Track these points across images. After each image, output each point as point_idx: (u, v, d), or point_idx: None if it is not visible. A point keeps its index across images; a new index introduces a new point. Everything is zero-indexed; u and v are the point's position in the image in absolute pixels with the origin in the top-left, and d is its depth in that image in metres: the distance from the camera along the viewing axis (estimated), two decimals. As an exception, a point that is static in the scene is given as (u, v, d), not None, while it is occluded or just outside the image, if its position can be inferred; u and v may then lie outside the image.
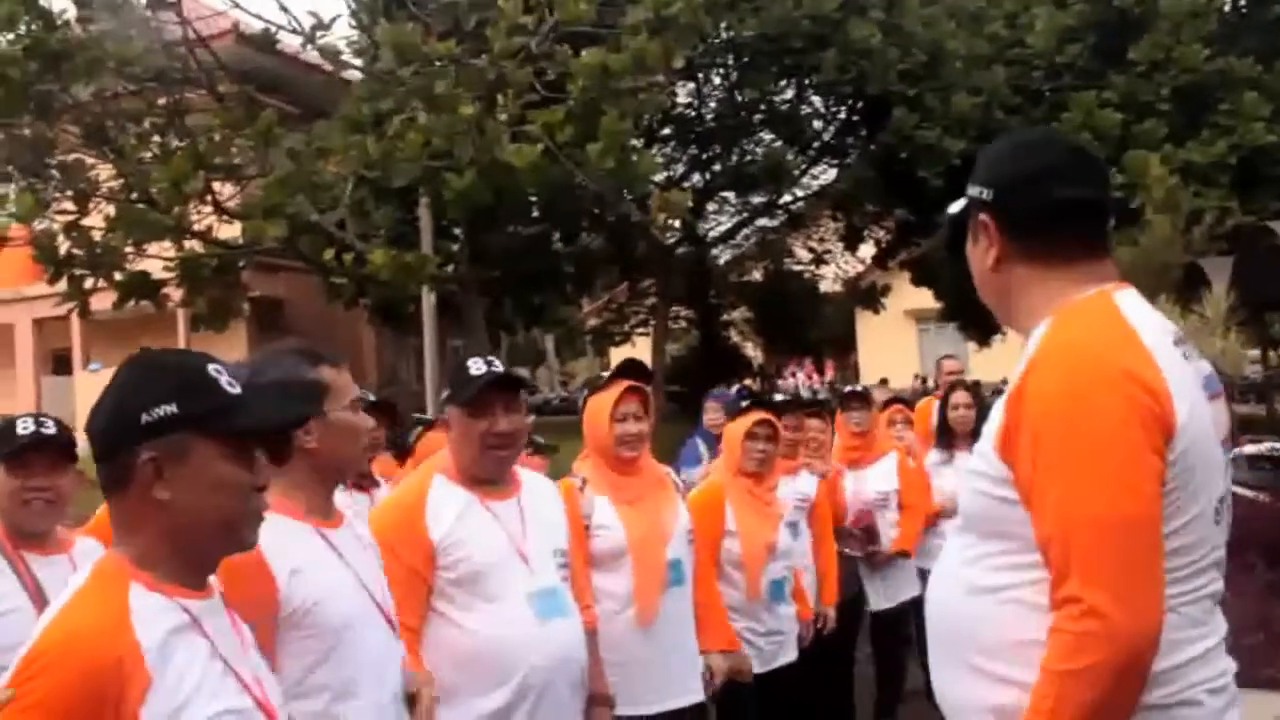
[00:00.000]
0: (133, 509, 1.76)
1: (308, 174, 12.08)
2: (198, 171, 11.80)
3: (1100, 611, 1.69)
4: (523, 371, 38.39)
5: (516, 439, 3.14)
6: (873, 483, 5.90)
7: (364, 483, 4.61)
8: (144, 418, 1.75)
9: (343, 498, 4.46)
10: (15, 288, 22.94)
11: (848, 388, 6.56)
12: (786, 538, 4.62)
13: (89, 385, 21.90)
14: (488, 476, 3.11)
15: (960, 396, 6.03)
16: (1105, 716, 1.71)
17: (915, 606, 5.95)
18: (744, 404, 4.82)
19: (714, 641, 4.05)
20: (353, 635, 2.37)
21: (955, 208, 2.15)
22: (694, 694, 3.78)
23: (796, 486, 5.11)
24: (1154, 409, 1.76)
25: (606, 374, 4.07)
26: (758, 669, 4.35)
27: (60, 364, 24.81)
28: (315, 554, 2.41)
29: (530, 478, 3.27)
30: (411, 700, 2.54)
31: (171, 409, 1.76)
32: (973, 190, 2.06)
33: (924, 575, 5.90)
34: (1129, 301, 1.95)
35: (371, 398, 4.71)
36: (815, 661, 4.77)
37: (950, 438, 6.02)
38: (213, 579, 1.87)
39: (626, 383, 3.77)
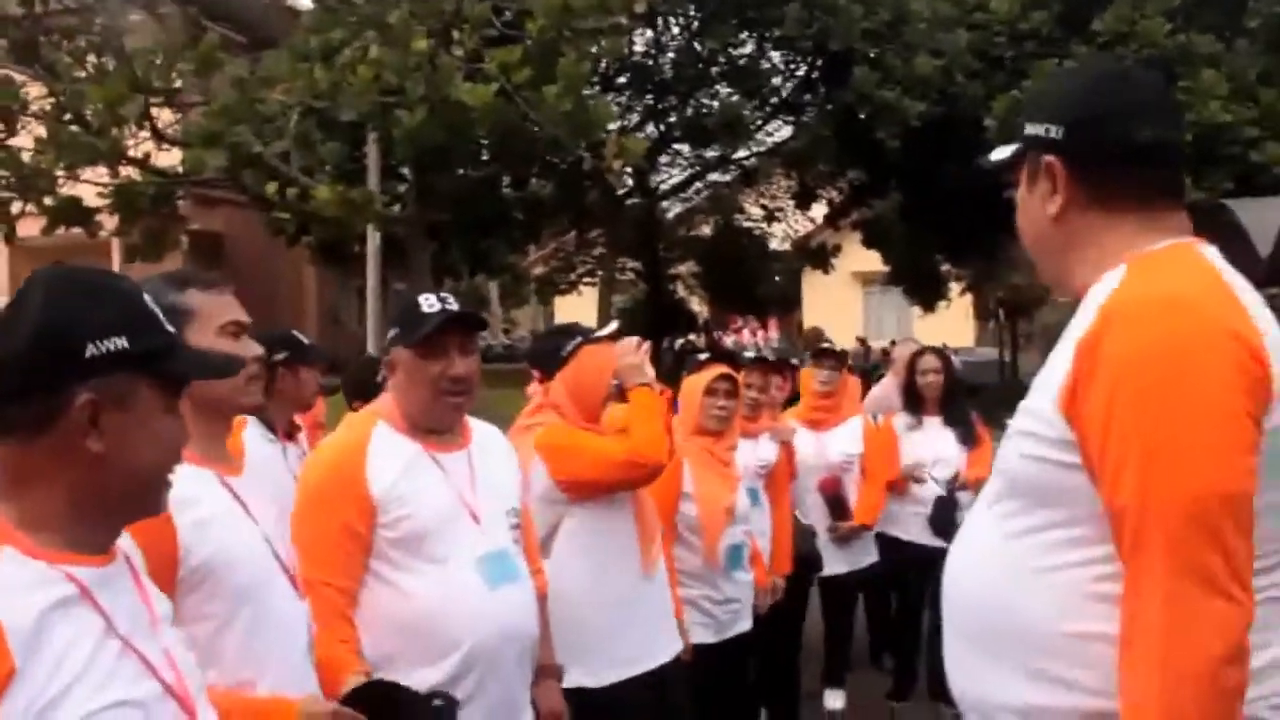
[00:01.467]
0: (42, 458, 1.44)
1: (251, 103, 11.62)
2: (135, 94, 11.31)
3: (1191, 601, 1.48)
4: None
5: (472, 383, 2.82)
6: (837, 445, 5.68)
7: (290, 430, 4.35)
8: (89, 349, 1.44)
9: (274, 448, 4.22)
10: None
11: (821, 344, 6.28)
12: (745, 501, 4.37)
13: (16, 313, 21.21)
14: (439, 425, 2.81)
15: (929, 361, 5.82)
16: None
17: (871, 574, 5.81)
18: (702, 357, 4.56)
19: None
20: (259, 597, 2.12)
21: (1004, 151, 1.89)
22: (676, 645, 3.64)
23: (758, 452, 4.87)
24: (1256, 372, 1.54)
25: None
26: (712, 638, 4.12)
27: None
28: (220, 505, 2.13)
29: (481, 428, 2.97)
30: None
31: (122, 343, 1.46)
32: (1034, 128, 1.80)
33: (882, 540, 5.75)
34: (1216, 256, 1.72)
35: (305, 341, 4.44)
36: (764, 629, 4.55)
37: (919, 403, 5.79)
38: (121, 540, 1.59)
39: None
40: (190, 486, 2.00)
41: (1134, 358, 1.55)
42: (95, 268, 1.65)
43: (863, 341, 31.25)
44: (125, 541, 1.60)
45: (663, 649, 3.53)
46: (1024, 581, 1.66)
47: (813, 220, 29.39)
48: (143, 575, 1.61)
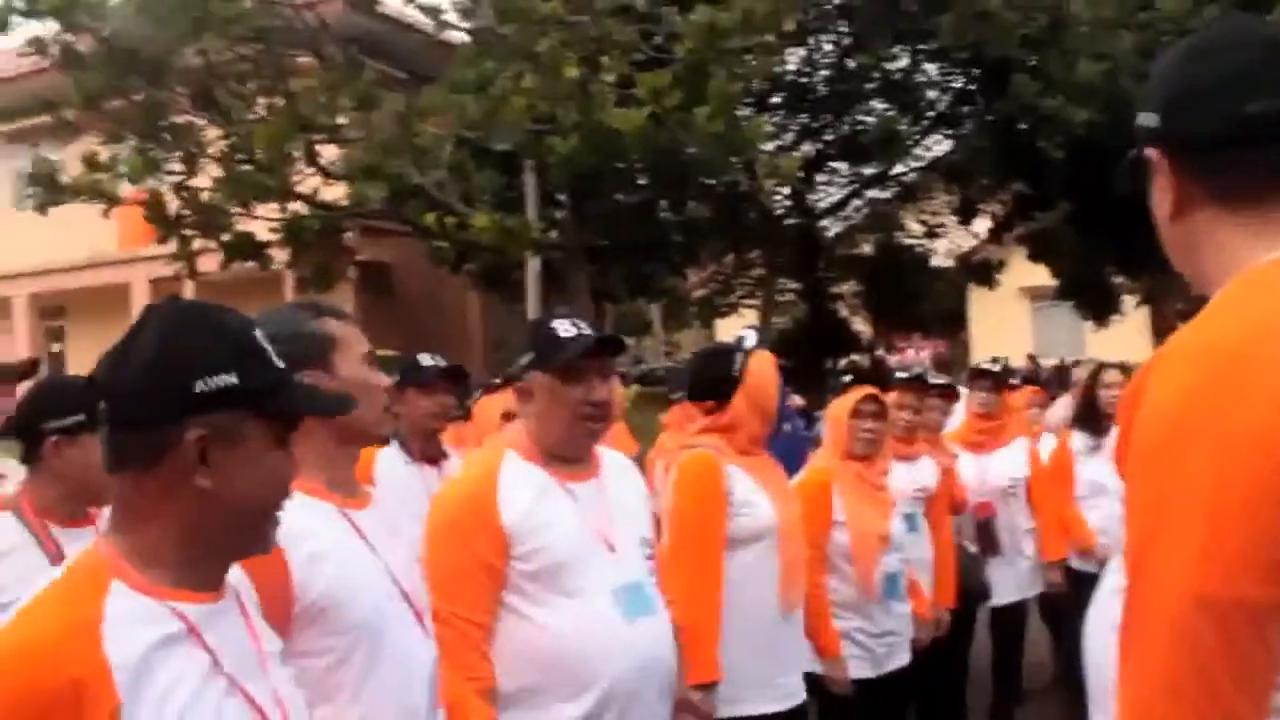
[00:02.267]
0: (153, 491, 1.44)
1: (409, 135, 11.90)
2: (298, 131, 11.70)
3: None
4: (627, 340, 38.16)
5: (610, 409, 2.80)
6: (999, 468, 5.44)
7: (432, 453, 4.34)
8: (199, 385, 1.44)
9: (410, 470, 4.25)
10: (132, 248, 23.34)
11: (978, 364, 6.04)
12: (900, 528, 4.22)
13: (200, 345, 22.15)
14: (576, 453, 2.76)
15: (1113, 375, 5.47)
16: None
17: (1041, 601, 5.54)
18: (846, 380, 4.43)
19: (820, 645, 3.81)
20: (379, 631, 2.07)
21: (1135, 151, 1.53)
22: (802, 694, 3.51)
23: (915, 476, 4.69)
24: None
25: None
26: (868, 673, 3.98)
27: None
28: (338, 538, 2.10)
29: (608, 455, 2.90)
30: None
31: (231, 380, 1.46)
32: (1141, 118, 1.50)
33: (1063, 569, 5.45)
34: None
35: (440, 363, 4.45)
36: (928, 662, 4.36)
37: (1099, 421, 5.37)
38: (231, 575, 1.57)
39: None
40: (306, 519, 2.00)
41: (1154, 413, 1.23)
42: (209, 302, 1.64)
43: (1033, 359, 30.32)
44: (236, 577, 1.58)
45: (790, 694, 3.43)
46: (1105, 637, 1.36)
47: (976, 235, 28.64)
48: (253, 612, 1.59)
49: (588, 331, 2.74)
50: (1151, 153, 1.46)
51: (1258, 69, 1.38)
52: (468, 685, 2.49)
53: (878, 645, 4.06)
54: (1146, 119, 1.48)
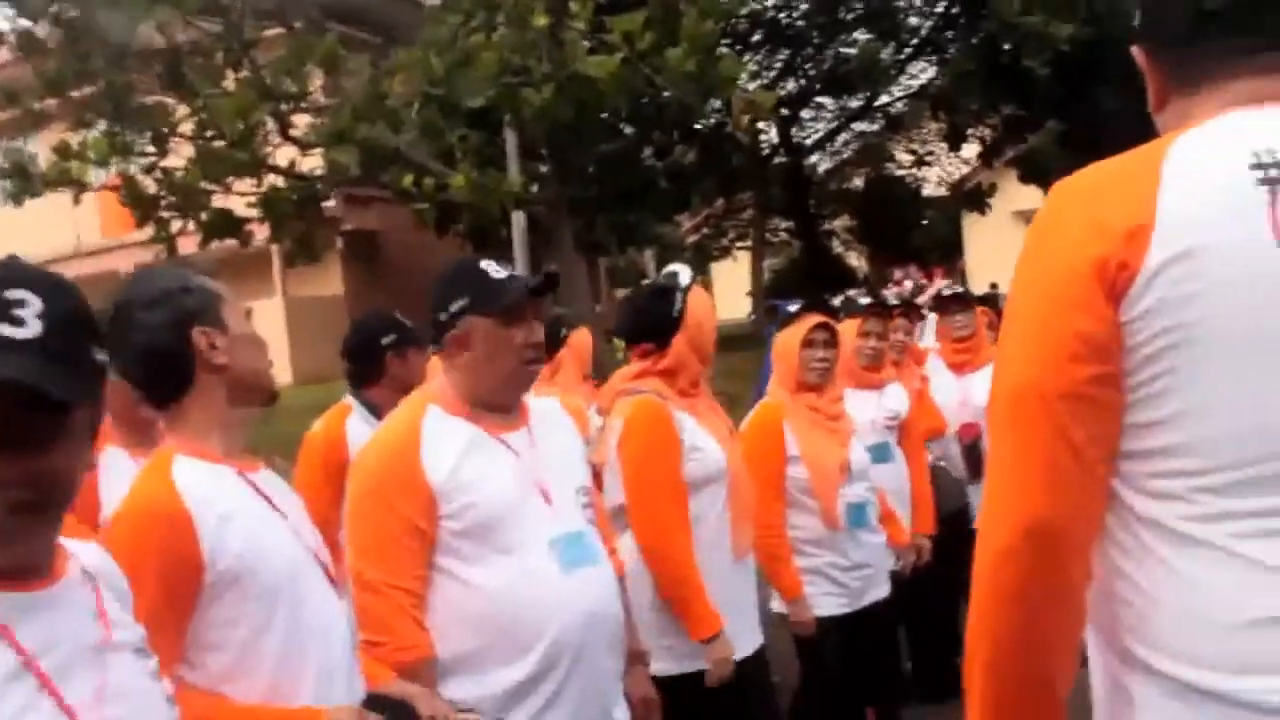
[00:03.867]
0: None
1: (377, 98, 11.70)
2: (263, 102, 11.51)
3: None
4: (625, 293, 37.93)
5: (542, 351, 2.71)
6: (983, 388, 5.32)
7: None
8: None
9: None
10: (116, 236, 23.18)
11: (944, 290, 5.93)
12: (863, 456, 4.06)
13: (193, 326, 22.12)
14: (512, 400, 2.64)
15: None
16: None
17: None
18: (793, 310, 4.24)
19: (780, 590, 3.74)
20: (294, 595, 1.99)
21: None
22: (759, 637, 3.41)
23: (884, 403, 4.57)
24: (1100, 253, 1.36)
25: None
26: (843, 609, 3.87)
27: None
28: (242, 501, 2.01)
29: (536, 403, 2.75)
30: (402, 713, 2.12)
31: None
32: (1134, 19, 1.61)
33: None
34: (1225, 121, 1.43)
35: (408, 324, 4.33)
36: (912, 593, 4.26)
37: None
38: (88, 559, 1.46)
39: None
40: (209, 484, 1.95)
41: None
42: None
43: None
44: (95, 562, 1.47)
45: (748, 640, 3.32)
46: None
47: (966, 161, 28.38)
48: (109, 600, 1.46)
49: (515, 272, 2.64)
50: (1136, 50, 1.58)
51: None
52: (407, 655, 2.40)
53: (851, 579, 3.93)
54: (1133, 18, 1.61)
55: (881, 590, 4.04)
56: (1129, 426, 1.38)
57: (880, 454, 4.35)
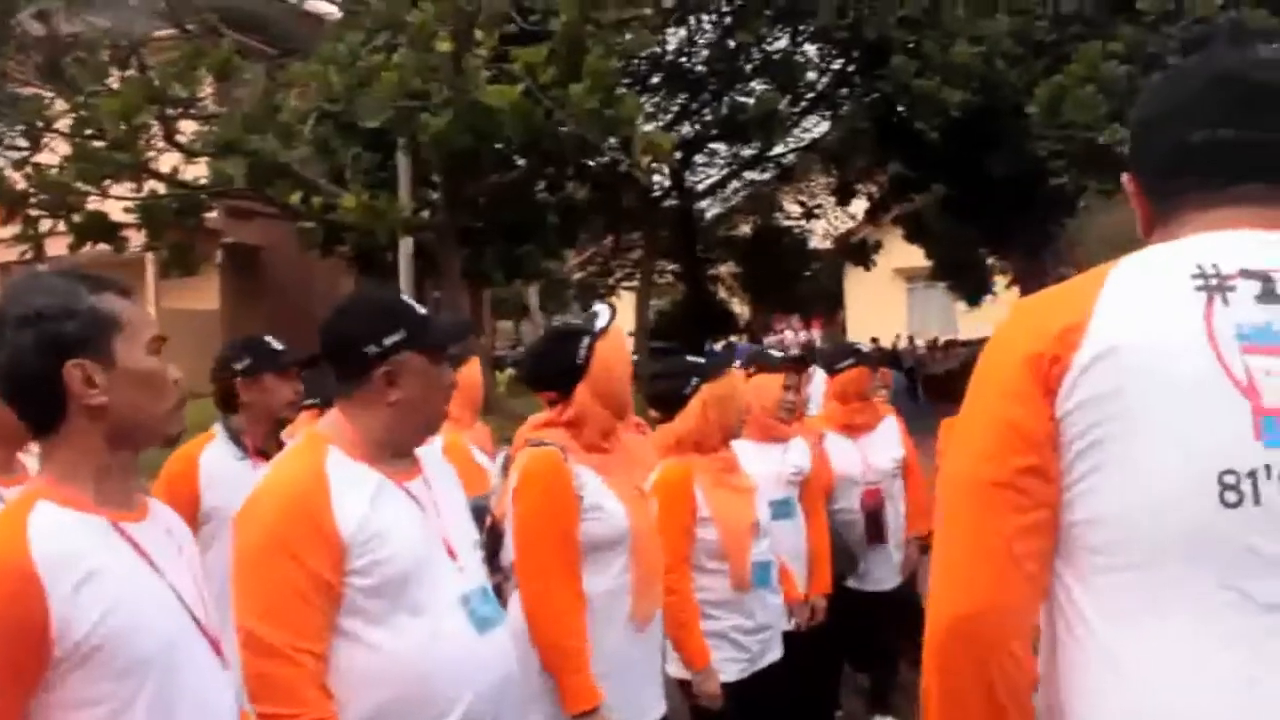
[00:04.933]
0: None
1: (270, 110, 11.36)
2: (149, 104, 11.08)
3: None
4: (506, 324, 37.60)
5: None
6: (884, 450, 5.28)
7: (270, 448, 3.83)
8: None
9: (242, 467, 3.80)
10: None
11: (846, 345, 5.87)
12: (766, 514, 3.93)
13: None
14: (418, 445, 2.45)
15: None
16: None
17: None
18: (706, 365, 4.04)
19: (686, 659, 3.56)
20: (167, 669, 1.74)
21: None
22: (661, 707, 3.20)
23: (789, 458, 4.47)
24: (1036, 349, 1.42)
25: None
26: (742, 673, 3.74)
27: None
28: (113, 558, 1.74)
29: (422, 451, 2.52)
30: None
31: None
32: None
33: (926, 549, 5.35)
34: (1182, 242, 1.49)
35: (274, 346, 3.98)
36: (801, 654, 4.14)
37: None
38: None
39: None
40: (71, 538, 1.69)
41: None
42: None
43: (910, 340, 30.74)
44: None
45: (645, 710, 3.09)
46: None
47: (853, 217, 28.92)
48: None
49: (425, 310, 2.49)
50: (1126, 178, 1.63)
51: (1203, 100, 1.53)
52: None
53: (754, 642, 3.80)
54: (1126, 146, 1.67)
55: (777, 652, 3.91)
56: (1067, 525, 1.40)
57: (783, 510, 4.24)
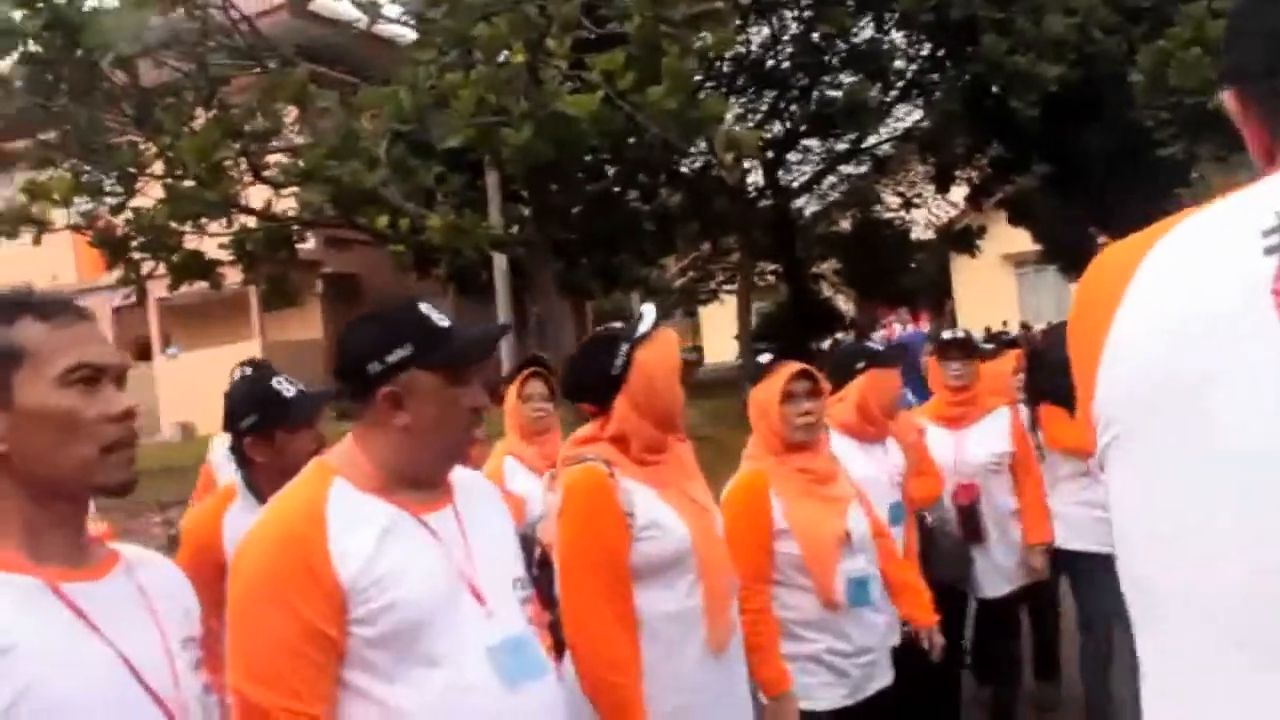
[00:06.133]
0: None
1: (350, 136, 11.33)
2: (229, 140, 11.12)
3: None
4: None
5: None
6: (981, 444, 4.92)
7: None
8: None
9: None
10: (92, 278, 22.77)
11: (944, 333, 5.43)
12: (861, 525, 3.55)
13: (168, 370, 21.75)
14: (441, 475, 2.17)
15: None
16: None
17: (1029, 592, 5.02)
18: (766, 358, 3.71)
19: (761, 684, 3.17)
20: None
21: None
22: None
23: (892, 457, 4.13)
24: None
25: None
26: (843, 702, 3.42)
27: (141, 350, 24.65)
28: (41, 628, 1.48)
29: (457, 475, 2.24)
30: None
31: None
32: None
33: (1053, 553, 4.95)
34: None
35: (285, 395, 3.34)
36: (916, 677, 3.78)
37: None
38: None
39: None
40: None
41: None
42: None
43: (1026, 326, 29.86)
44: None
45: None
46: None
47: (954, 204, 28.19)
48: None
49: (455, 322, 2.16)
50: (1228, 97, 1.34)
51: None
52: None
53: (852, 665, 3.44)
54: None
55: (885, 677, 3.55)
56: None
57: (898, 514, 3.93)
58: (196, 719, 1.62)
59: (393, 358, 2.06)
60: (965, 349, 4.99)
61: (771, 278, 29.40)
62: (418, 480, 2.12)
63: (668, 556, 2.70)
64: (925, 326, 32.34)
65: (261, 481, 3.25)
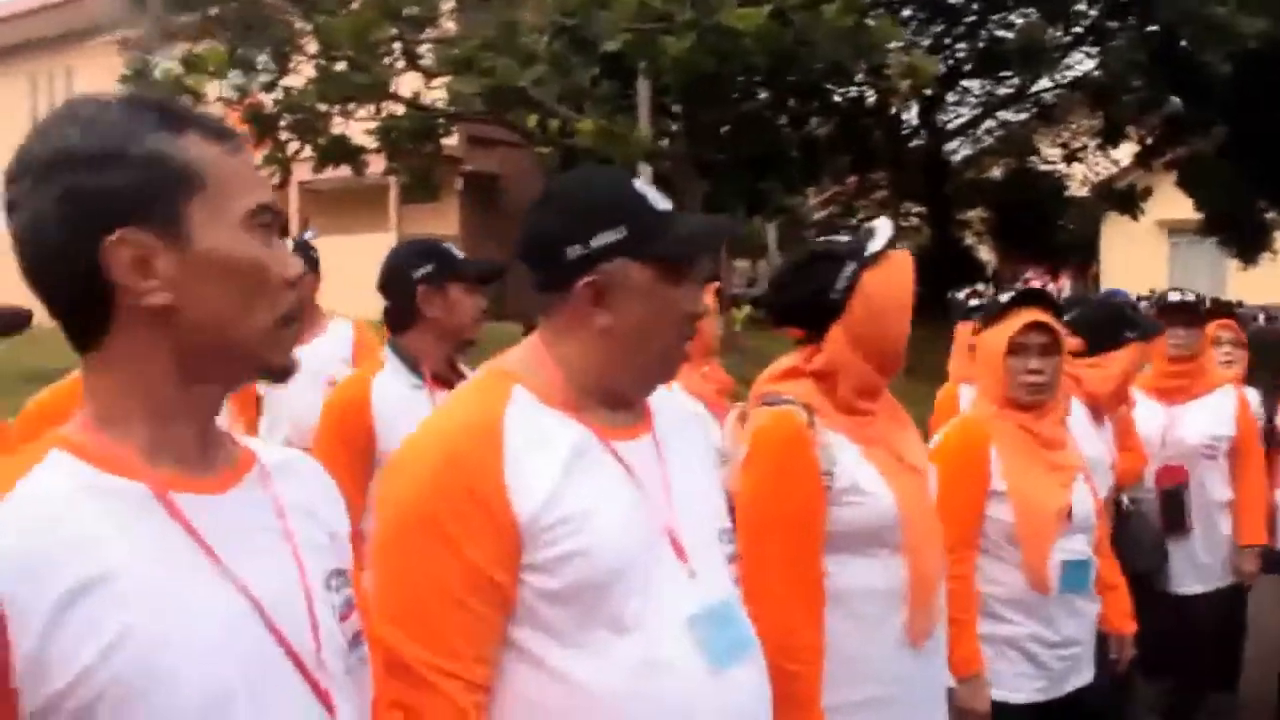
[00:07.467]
0: None
1: (507, 29, 11.00)
2: (383, 21, 10.87)
3: None
4: (743, 264, 37.00)
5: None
6: (1196, 424, 4.40)
7: (449, 376, 3.17)
8: None
9: (418, 398, 3.00)
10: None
11: (1173, 296, 4.77)
12: (1085, 501, 3.06)
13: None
14: (646, 392, 1.75)
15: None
16: None
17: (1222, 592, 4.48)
18: (1005, 301, 3.20)
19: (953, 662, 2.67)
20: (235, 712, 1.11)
21: None
22: None
23: (1106, 434, 3.68)
24: None
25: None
26: (1040, 696, 2.98)
27: (280, 232, 24.90)
28: (149, 552, 1.10)
29: (659, 400, 1.80)
30: None
31: None
32: None
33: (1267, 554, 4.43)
34: None
35: (456, 253, 3.27)
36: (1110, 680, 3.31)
37: None
38: None
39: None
40: (82, 520, 1.07)
41: None
42: None
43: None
44: None
45: None
46: None
47: (1115, 162, 26.88)
48: None
49: (679, 211, 1.74)
50: None
51: None
52: None
53: (1055, 658, 2.98)
54: None
55: (1086, 673, 3.07)
56: None
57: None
58: (339, 681, 1.24)
59: (599, 242, 1.64)
60: (1191, 313, 4.43)
61: (915, 219, 28.52)
62: (614, 398, 1.70)
63: (869, 527, 2.30)
64: (1064, 288, 31.21)
65: (425, 342, 3.17)
